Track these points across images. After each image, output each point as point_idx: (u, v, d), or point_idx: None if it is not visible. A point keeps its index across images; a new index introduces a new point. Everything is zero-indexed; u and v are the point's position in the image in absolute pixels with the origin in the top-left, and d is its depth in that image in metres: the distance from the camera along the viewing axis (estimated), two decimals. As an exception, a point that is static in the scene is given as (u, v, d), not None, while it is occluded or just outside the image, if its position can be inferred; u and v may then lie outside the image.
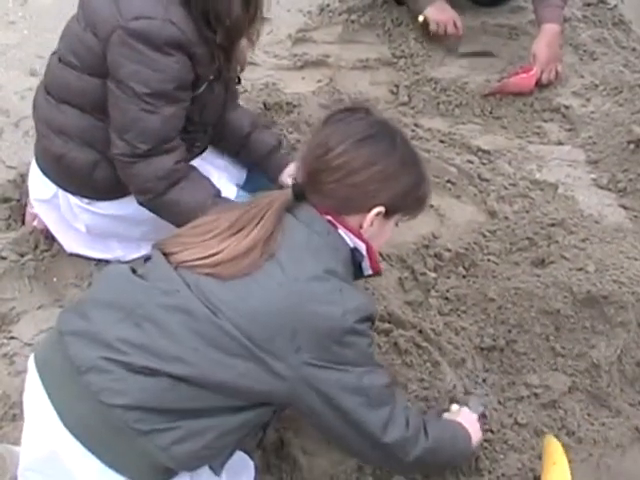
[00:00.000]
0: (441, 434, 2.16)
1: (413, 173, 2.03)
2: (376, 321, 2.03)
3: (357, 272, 2.08)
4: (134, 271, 1.99)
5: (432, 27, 3.94)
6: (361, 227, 1.99)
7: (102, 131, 2.57)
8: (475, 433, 2.32)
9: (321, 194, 1.97)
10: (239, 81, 2.82)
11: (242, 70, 2.79)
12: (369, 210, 1.97)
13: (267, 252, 1.88)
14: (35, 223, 3.02)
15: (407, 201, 2.04)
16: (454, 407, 2.46)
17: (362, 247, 2.01)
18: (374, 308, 1.99)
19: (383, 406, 1.97)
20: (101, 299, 1.95)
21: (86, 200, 2.74)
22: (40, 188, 2.83)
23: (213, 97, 2.64)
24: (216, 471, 1.96)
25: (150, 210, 2.62)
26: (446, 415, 2.39)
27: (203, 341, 1.83)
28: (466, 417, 2.35)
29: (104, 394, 1.81)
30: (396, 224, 2.11)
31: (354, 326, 1.87)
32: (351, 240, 1.99)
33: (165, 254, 1.96)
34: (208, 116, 2.69)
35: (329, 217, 1.97)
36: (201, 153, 2.85)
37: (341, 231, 1.98)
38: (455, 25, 3.94)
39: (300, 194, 1.98)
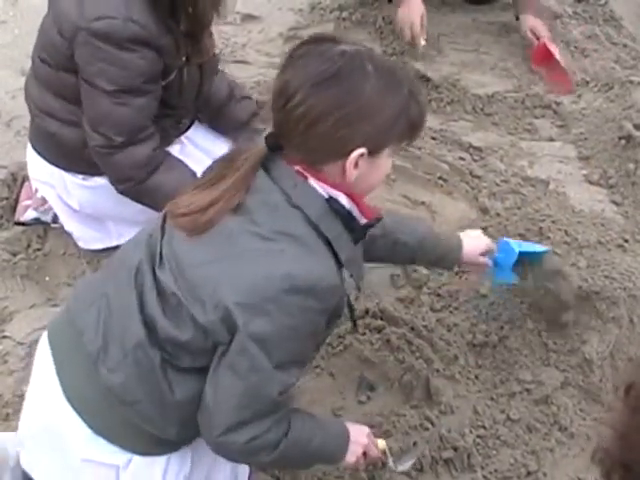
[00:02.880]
0: (297, 452, 1.95)
1: (394, 101, 1.75)
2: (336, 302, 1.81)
3: (352, 224, 1.84)
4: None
5: (396, 29, 3.94)
6: (345, 173, 1.75)
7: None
8: (353, 450, 2.07)
9: (290, 146, 1.76)
10: (214, 56, 2.84)
11: (211, 54, 2.77)
12: (348, 154, 1.72)
13: (228, 207, 1.76)
14: (28, 212, 3.04)
15: (395, 132, 1.78)
16: None
17: (339, 195, 1.78)
18: (329, 280, 1.75)
19: (249, 413, 1.81)
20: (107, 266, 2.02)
21: (81, 176, 2.78)
22: (36, 168, 2.88)
23: (188, 80, 2.67)
24: None
25: (131, 198, 2.66)
26: (347, 423, 2.12)
27: (154, 286, 1.83)
28: (357, 433, 2.10)
29: (92, 357, 1.86)
30: (396, 152, 1.87)
31: (279, 295, 1.70)
32: (324, 190, 1.77)
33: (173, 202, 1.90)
34: (186, 96, 2.72)
35: (298, 167, 1.76)
36: (188, 129, 2.91)
37: (312, 182, 1.77)
38: (411, 30, 3.83)
39: (274, 145, 1.78)
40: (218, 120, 2.98)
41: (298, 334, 1.76)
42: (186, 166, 2.69)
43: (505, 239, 2.57)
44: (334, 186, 1.78)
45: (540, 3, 4.09)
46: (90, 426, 1.88)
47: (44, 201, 2.98)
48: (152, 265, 1.85)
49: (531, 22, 3.91)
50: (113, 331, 1.86)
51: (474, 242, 2.44)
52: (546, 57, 3.85)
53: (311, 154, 1.75)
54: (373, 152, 1.75)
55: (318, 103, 1.69)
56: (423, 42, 3.86)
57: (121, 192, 2.65)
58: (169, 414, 1.86)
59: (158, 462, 1.93)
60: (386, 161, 1.82)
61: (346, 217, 1.81)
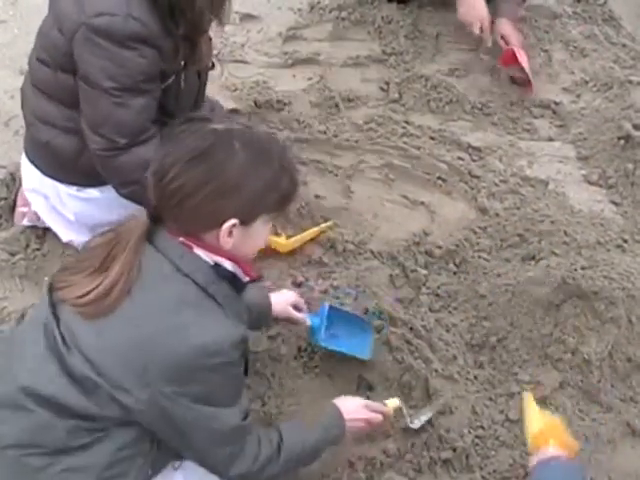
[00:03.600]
0: (298, 451, 2.13)
1: (262, 175, 1.88)
2: (242, 345, 1.93)
3: (236, 282, 1.98)
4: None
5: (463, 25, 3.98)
6: (219, 241, 1.89)
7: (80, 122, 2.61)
8: (353, 427, 2.28)
9: (168, 218, 1.90)
10: (213, 66, 2.84)
11: (209, 61, 2.79)
12: (221, 225, 1.86)
13: (127, 287, 1.85)
14: (25, 221, 3.02)
15: (265, 204, 1.91)
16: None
17: (223, 261, 1.92)
18: (231, 338, 1.87)
19: (230, 444, 1.97)
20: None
21: (75, 187, 2.76)
22: (29, 177, 2.86)
23: (186, 86, 2.66)
24: None
25: (135, 201, 2.62)
26: (335, 401, 2.31)
27: (64, 372, 1.86)
28: (352, 409, 2.29)
29: None
30: (272, 221, 1.99)
31: (203, 362, 1.83)
32: (209, 257, 1.91)
33: (55, 288, 1.96)
34: (183, 104, 2.70)
35: (182, 238, 1.89)
36: None
37: (197, 250, 1.89)
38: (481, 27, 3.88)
39: (155, 218, 1.92)
40: None
41: (230, 380, 1.94)
42: None
43: (326, 305, 2.63)
44: (217, 252, 1.91)
45: (519, 10, 4.07)
46: None
47: (38, 215, 2.98)
48: (57, 354, 1.87)
49: (504, 28, 3.89)
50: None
51: (283, 296, 2.60)
52: (511, 64, 3.85)
53: (187, 225, 1.89)
54: (245, 222, 1.89)
55: (188, 179, 1.83)
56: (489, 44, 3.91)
57: (125, 196, 2.62)
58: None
59: None
60: (261, 229, 1.96)
61: (230, 279, 1.96)
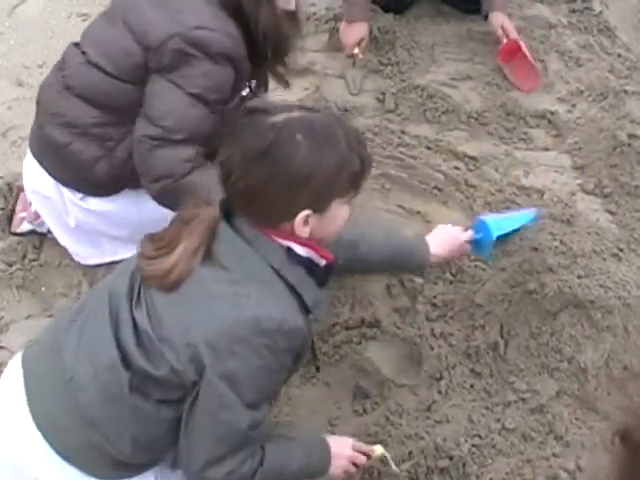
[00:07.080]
0: (274, 477, 2.04)
1: (330, 161, 1.82)
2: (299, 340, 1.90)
3: (314, 268, 1.94)
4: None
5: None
6: (295, 232, 1.87)
7: (114, 130, 2.63)
8: (338, 464, 2.17)
9: (239, 213, 1.89)
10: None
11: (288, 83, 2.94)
12: (294, 217, 1.84)
13: (188, 271, 1.86)
14: (23, 225, 3.03)
15: (337, 188, 1.87)
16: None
17: (294, 246, 1.89)
18: (283, 323, 1.83)
19: (221, 445, 1.90)
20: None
21: (79, 195, 2.75)
22: (34, 179, 2.83)
23: (232, 117, 2.66)
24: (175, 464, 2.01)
25: (162, 200, 2.61)
26: (328, 437, 2.21)
27: (131, 324, 1.91)
28: (339, 446, 2.19)
29: (66, 374, 1.92)
30: (348, 202, 1.93)
31: (248, 336, 1.80)
32: (283, 241, 1.88)
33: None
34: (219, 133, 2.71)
35: (257, 231, 1.88)
36: None
37: (273, 236, 1.88)
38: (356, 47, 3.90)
39: (227, 211, 1.92)
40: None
41: (266, 373, 1.87)
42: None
43: (483, 218, 2.72)
44: (291, 238, 1.88)
45: (509, 4, 4.17)
46: (55, 449, 1.92)
47: (38, 214, 2.98)
48: (130, 301, 1.92)
49: (501, 20, 3.95)
50: (87, 350, 1.93)
51: (446, 244, 2.63)
52: (514, 54, 3.90)
53: (259, 220, 1.87)
54: (319, 210, 1.86)
55: (254, 178, 1.80)
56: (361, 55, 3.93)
57: (156, 194, 2.60)
58: (126, 435, 1.92)
59: None
60: (338, 212, 1.91)
61: (307, 263, 1.92)
